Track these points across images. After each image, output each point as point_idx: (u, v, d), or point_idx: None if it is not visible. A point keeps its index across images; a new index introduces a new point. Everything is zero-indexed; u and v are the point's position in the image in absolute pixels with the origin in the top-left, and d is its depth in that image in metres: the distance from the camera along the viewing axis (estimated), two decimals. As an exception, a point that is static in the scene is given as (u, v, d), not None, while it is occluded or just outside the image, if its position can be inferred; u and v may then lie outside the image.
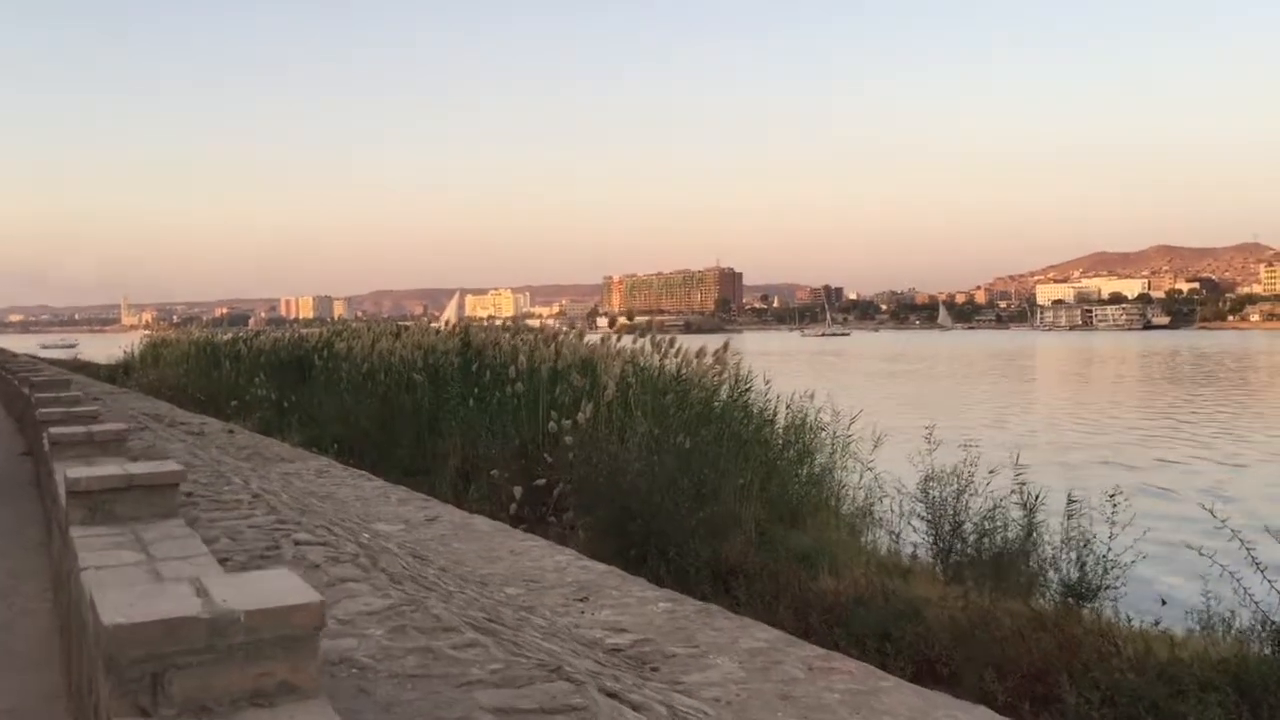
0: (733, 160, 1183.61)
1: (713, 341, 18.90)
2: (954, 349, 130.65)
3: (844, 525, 15.18)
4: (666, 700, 4.32)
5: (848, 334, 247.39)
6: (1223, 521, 9.30)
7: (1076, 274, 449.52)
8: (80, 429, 6.49)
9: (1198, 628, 9.96)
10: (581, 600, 7.04)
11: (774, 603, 10.85)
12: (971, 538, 12.25)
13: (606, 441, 15.63)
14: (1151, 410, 45.45)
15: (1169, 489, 21.77)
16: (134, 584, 2.89)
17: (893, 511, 14.73)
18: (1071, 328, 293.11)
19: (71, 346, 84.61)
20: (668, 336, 18.67)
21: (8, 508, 8.17)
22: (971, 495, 12.35)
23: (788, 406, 17.20)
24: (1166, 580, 13.60)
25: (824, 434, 16.32)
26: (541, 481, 14.93)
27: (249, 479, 8.59)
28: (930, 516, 12.58)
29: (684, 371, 17.27)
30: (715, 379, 17.49)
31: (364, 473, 13.70)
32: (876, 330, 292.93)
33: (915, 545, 13.81)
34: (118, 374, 46.65)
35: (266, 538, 5.68)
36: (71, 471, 4.34)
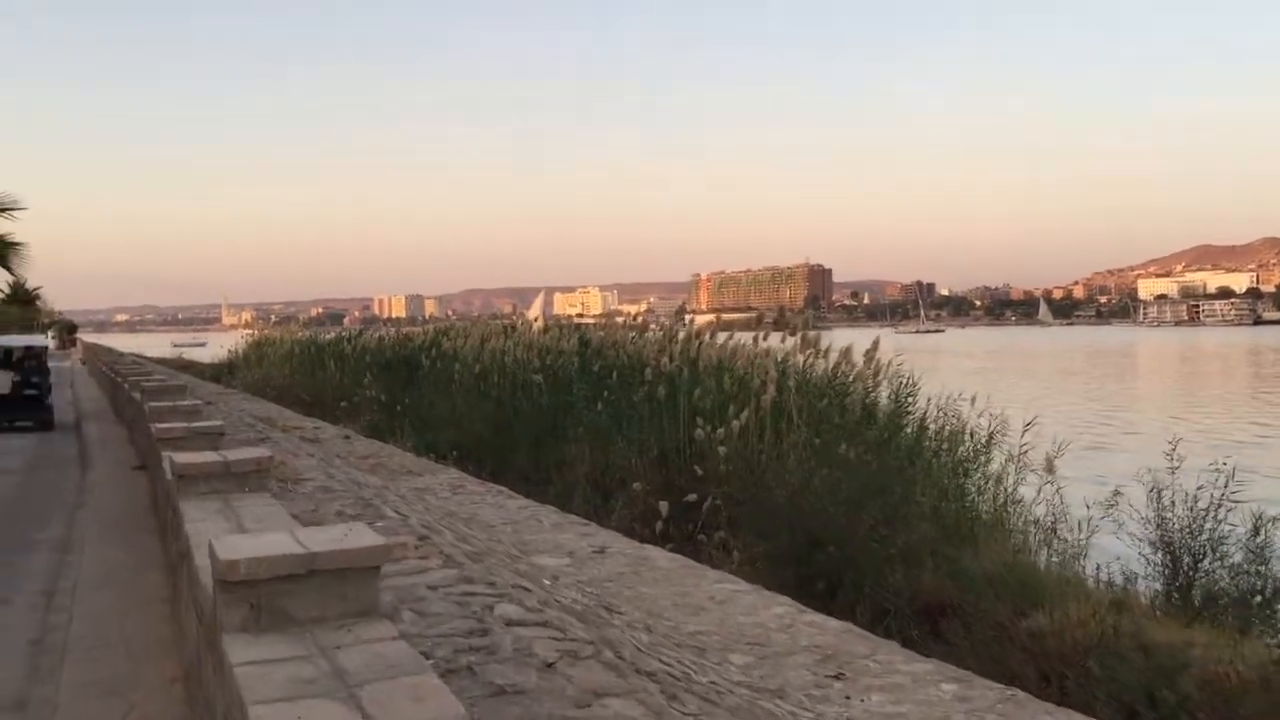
0: (822, 156, 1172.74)
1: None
2: (1063, 346, 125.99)
3: (1022, 547, 13.30)
4: None
5: (942, 330, 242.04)
6: None
7: (1179, 268, 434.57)
8: (214, 457, 5.10)
9: None
10: (835, 677, 5.45)
11: (999, 650, 9.15)
12: (1218, 569, 10.37)
13: (761, 452, 14.07)
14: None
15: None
16: None
17: (1080, 531, 12.79)
18: (1177, 323, 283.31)
19: (202, 345, 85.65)
20: (816, 333, 16.98)
21: (122, 545, 6.86)
22: (1216, 518, 10.46)
23: (940, 410, 15.31)
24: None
25: (984, 440, 14.38)
26: (692, 497, 13.34)
27: (404, 510, 7.18)
28: (1164, 541, 10.68)
29: (840, 373, 15.55)
30: (871, 381, 15.73)
31: (501, 489, 12.30)
32: (963, 328, 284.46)
33: (1105, 568, 11.94)
34: (222, 373, 46.42)
35: (461, 611, 4.20)
36: (223, 548, 2.87)
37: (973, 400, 15.05)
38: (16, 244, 24.34)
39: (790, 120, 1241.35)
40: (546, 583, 6.30)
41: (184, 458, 5.14)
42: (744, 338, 18.68)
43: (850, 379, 15.66)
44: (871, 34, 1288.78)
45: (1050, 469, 10.91)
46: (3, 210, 23.16)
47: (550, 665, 3.58)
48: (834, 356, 16.09)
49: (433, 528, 6.59)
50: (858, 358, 15.94)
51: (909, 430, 14.87)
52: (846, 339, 18.89)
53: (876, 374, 15.66)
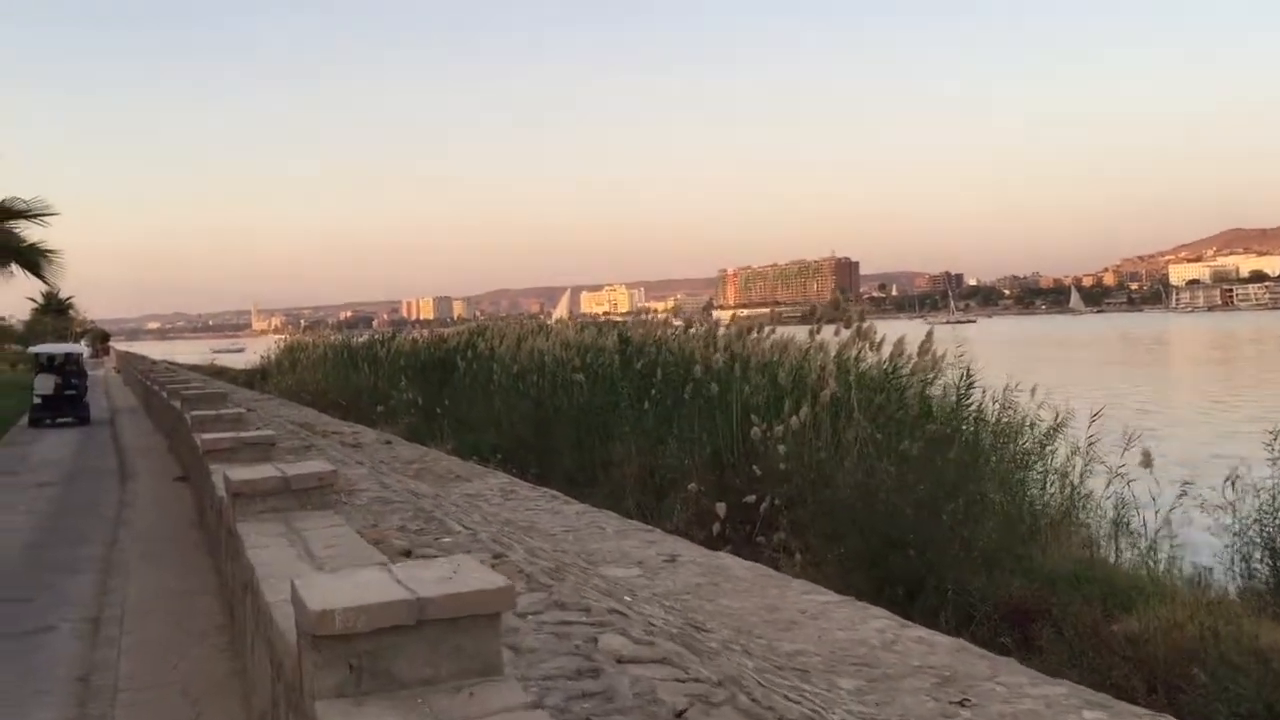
0: (845, 149, 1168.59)
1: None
2: (1098, 334, 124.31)
3: (1089, 543, 12.64)
4: None
5: (973, 321, 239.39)
6: None
7: (1210, 252, 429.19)
8: (272, 473, 4.61)
9: None
10: (960, 704, 4.91)
11: (1097, 658, 8.56)
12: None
13: (821, 450, 13.52)
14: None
15: None
16: None
17: (1154, 524, 12.12)
18: (1210, 308, 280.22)
19: (240, 350, 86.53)
20: (870, 325, 16.33)
21: (169, 565, 6.39)
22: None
23: (995, 401, 14.60)
24: None
25: (1047, 431, 13.65)
26: (751, 498, 12.81)
27: (467, 522, 6.69)
28: (1264, 537, 10.03)
29: (898, 367, 14.93)
30: (928, 374, 15.08)
31: (555, 494, 11.80)
32: (990, 318, 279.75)
33: (1182, 563, 11.33)
34: (255, 379, 46.24)
35: (561, 645, 3.69)
36: (310, 592, 2.36)
37: (1032, 391, 14.37)
38: (49, 251, 24.07)
39: (813, 114, 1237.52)
40: (627, 599, 5.79)
41: (239, 474, 4.66)
42: (790, 331, 18.15)
43: (908, 372, 15.07)
44: (892, 25, 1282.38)
45: (1148, 463, 10.23)
46: (34, 216, 22.86)
47: (681, 715, 3.06)
48: (887, 349, 15.48)
49: (503, 542, 6.08)
50: (909, 350, 15.34)
51: (968, 424, 14.24)
52: (885, 331, 18.24)
53: (934, 366, 15.03)
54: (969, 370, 14.94)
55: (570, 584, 5.06)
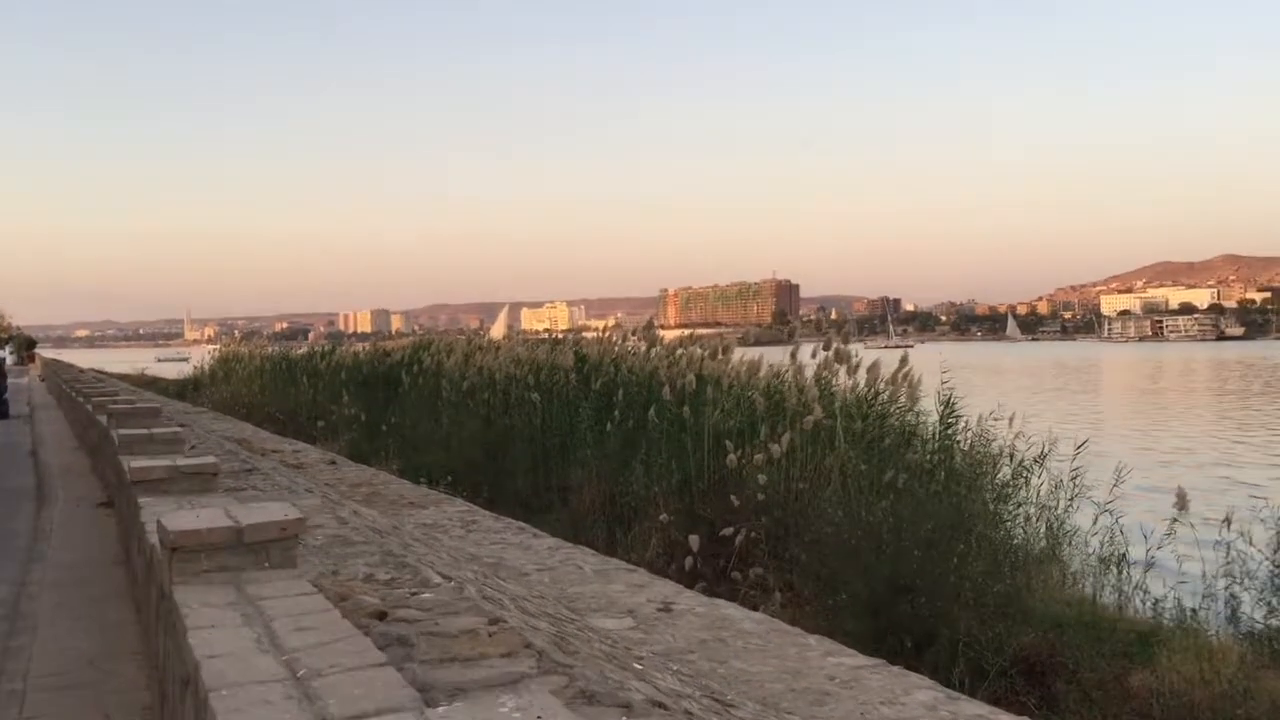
0: (788, 172, 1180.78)
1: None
2: (1037, 362, 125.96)
3: (1079, 583, 11.96)
4: None
5: (911, 346, 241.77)
6: None
7: (1141, 284, 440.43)
8: (222, 522, 3.61)
9: None
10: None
11: (1129, 720, 7.82)
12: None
13: (802, 480, 12.73)
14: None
15: None
16: None
17: (1135, 563, 11.47)
18: (1141, 338, 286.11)
19: (185, 359, 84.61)
20: (848, 348, 15.57)
21: (86, 618, 5.33)
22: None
23: (967, 430, 13.90)
24: None
25: (1029, 462, 12.93)
26: (728, 530, 11.97)
27: (446, 569, 5.71)
28: (1274, 579, 9.38)
29: (878, 393, 14.21)
30: (905, 401, 14.37)
31: (523, 525, 10.81)
32: (924, 343, 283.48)
33: (1169, 605, 10.67)
34: (187, 390, 44.56)
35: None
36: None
37: (1010, 420, 13.67)
38: (-31, 252, 22.63)
39: (755, 137, 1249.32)
40: (637, 667, 4.88)
41: (178, 521, 3.66)
42: (747, 352, 17.53)
43: (888, 398, 14.36)
44: (834, 53, 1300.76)
45: (1183, 505, 9.48)
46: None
47: None
48: (862, 373, 14.73)
49: (491, 597, 5.14)
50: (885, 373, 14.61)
51: (948, 455, 13.49)
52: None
53: (913, 392, 14.31)
54: (951, 397, 14.22)
55: (585, 656, 4.14)
